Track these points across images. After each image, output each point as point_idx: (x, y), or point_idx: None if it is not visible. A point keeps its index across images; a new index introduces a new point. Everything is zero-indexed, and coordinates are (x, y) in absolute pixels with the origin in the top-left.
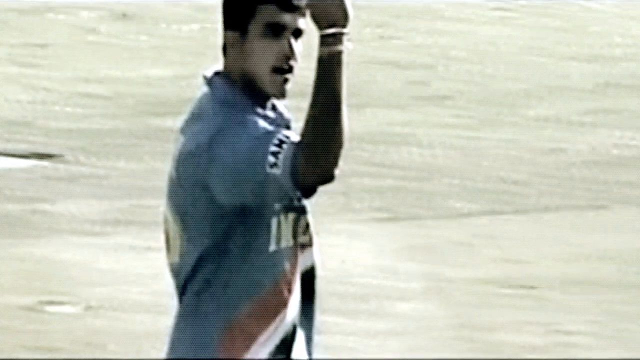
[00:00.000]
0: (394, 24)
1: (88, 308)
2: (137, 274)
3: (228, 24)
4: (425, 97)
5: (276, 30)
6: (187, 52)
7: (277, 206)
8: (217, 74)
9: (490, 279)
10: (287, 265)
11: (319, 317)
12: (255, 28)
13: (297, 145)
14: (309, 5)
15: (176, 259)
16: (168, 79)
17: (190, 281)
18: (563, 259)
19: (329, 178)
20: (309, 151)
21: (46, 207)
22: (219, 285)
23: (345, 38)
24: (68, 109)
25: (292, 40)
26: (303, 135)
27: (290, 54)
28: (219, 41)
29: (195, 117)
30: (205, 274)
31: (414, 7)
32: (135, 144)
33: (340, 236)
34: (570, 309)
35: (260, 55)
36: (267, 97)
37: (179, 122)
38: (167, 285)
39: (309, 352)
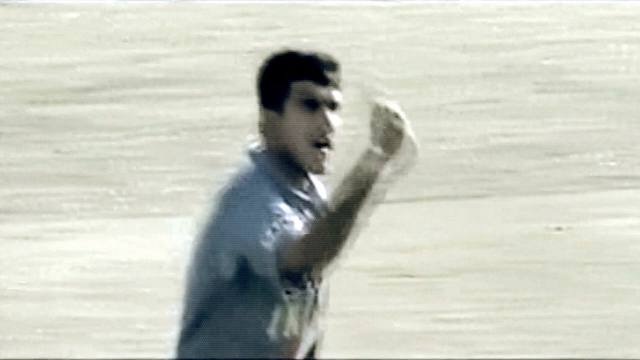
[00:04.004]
0: (275, 13)
1: None
2: (17, 263)
3: (263, 103)
4: None
5: (312, 105)
6: (65, 41)
7: (284, 296)
8: (259, 150)
9: (375, 267)
10: (286, 352)
11: None
12: (290, 105)
13: (303, 232)
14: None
15: (185, 293)
16: (46, 67)
17: (192, 328)
18: (446, 246)
19: (312, 275)
20: (304, 245)
21: None
22: (212, 339)
23: (386, 165)
24: None
25: (329, 113)
26: (309, 228)
27: (327, 128)
28: (99, 30)
29: (232, 177)
30: (205, 329)
31: None
32: (13, 132)
33: None
34: (454, 296)
35: (298, 131)
36: (305, 175)
37: (57, 110)
38: (47, 274)
39: None
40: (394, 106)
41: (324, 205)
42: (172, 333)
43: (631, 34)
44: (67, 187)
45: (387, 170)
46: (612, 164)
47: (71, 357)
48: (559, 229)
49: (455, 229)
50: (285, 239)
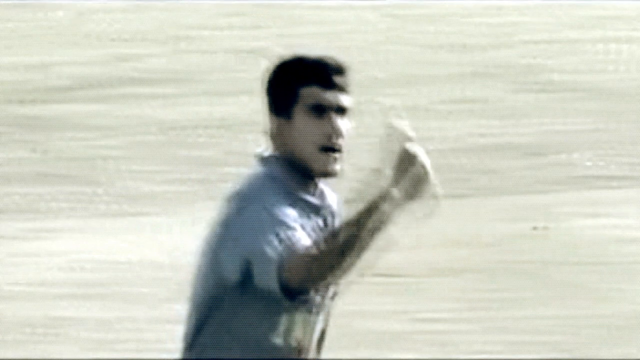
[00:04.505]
0: (258, 13)
1: None
2: (5, 263)
3: (272, 109)
4: None
5: (320, 111)
6: (47, 40)
7: (288, 303)
8: (268, 155)
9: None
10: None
11: None
12: (299, 111)
13: (308, 250)
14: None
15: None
16: (33, 67)
17: (198, 331)
18: (426, 246)
19: (306, 290)
20: (307, 265)
21: None
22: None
23: (400, 210)
24: None
25: (337, 118)
26: (314, 250)
27: (335, 133)
28: (85, 29)
29: (241, 181)
30: (207, 330)
31: None
32: None
33: (201, 224)
34: (438, 296)
35: (307, 137)
36: (314, 180)
37: (39, 110)
38: (42, 274)
39: None
40: (422, 154)
41: (331, 230)
42: (171, 333)
43: (614, 34)
44: (50, 186)
45: (403, 213)
46: (592, 163)
47: (71, 357)
48: (535, 228)
49: (437, 228)
50: (289, 250)
